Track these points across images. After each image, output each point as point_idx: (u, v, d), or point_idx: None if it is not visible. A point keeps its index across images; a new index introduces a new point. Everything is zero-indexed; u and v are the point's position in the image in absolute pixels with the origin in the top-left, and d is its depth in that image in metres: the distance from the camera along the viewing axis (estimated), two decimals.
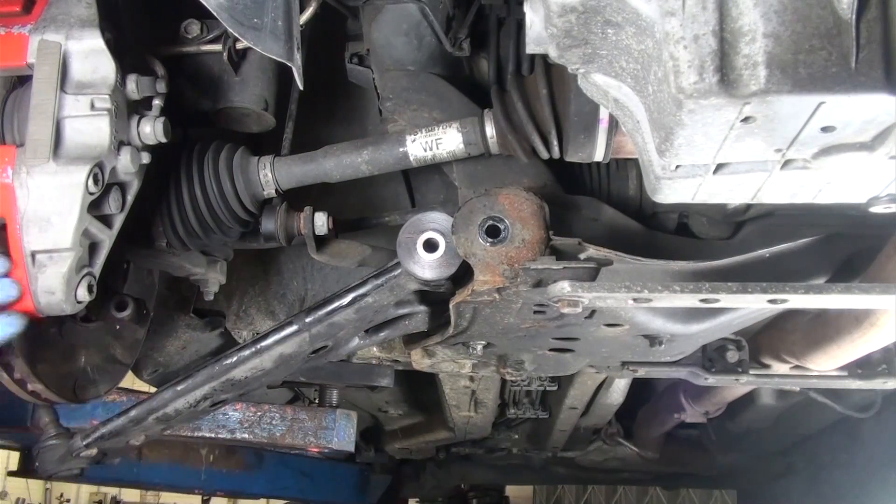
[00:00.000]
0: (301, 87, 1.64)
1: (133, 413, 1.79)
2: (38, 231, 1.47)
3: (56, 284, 1.49)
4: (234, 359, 1.70)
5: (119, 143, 1.56)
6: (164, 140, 1.63)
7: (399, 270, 1.58)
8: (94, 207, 1.55)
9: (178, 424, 1.89)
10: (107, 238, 1.60)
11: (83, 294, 1.54)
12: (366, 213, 2.14)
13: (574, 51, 1.23)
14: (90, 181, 1.48)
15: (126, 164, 1.57)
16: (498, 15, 1.88)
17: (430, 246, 1.55)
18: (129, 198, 1.64)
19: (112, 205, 1.58)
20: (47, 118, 1.47)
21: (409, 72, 1.91)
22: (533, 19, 1.26)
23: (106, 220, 1.60)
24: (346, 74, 2.06)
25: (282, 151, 1.92)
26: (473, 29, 1.87)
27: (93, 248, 1.59)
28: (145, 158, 1.63)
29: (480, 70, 1.98)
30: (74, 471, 1.86)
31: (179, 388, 1.76)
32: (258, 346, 1.69)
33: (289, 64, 1.56)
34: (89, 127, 1.50)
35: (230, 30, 1.49)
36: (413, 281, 1.58)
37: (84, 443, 1.80)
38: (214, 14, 1.45)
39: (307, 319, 1.67)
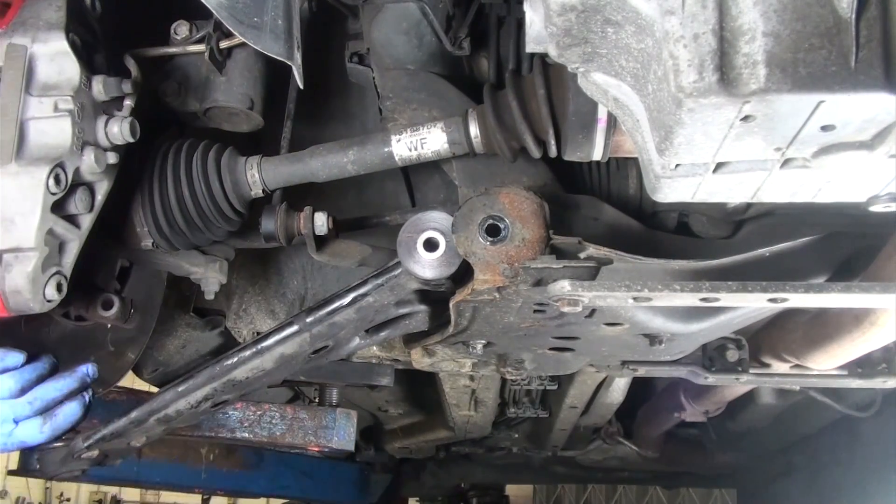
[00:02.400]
0: (301, 86, 1.64)
1: (134, 414, 1.78)
2: (3, 231, 1.48)
3: (22, 283, 1.50)
4: (235, 359, 1.70)
5: (83, 144, 1.57)
6: (130, 140, 1.63)
7: (399, 270, 1.58)
8: (59, 207, 1.55)
9: (179, 425, 1.89)
10: (76, 237, 1.61)
11: (52, 293, 1.55)
12: (366, 212, 2.14)
13: (574, 49, 1.23)
14: (51, 181, 1.49)
15: (90, 165, 1.57)
16: (498, 14, 1.88)
17: (431, 245, 1.55)
18: (100, 198, 1.64)
19: (78, 205, 1.59)
20: (11, 120, 1.48)
21: (410, 71, 1.91)
22: (533, 18, 1.26)
23: (73, 220, 1.61)
24: (346, 73, 2.06)
25: (280, 151, 1.92)
26: (473, 28, 1.87)
27: (61, 247, 1.60)
28: (112, 158, 1.63)
29: (481, 69, 1.98)
30: (76, 472, 1.86)
31: (181, 388, 1.76)
32: (259, 347, 1.69)
33: (289, 63, 1.56)
34: (52, 128, 1.51)
35: (231, 29, 1.49)
36: (413, 280, 1.58)
37: (85, 444, 1.79)
38: (215, 13, 1.45)
39: (308, 319, 1.67)
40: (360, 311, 1.64)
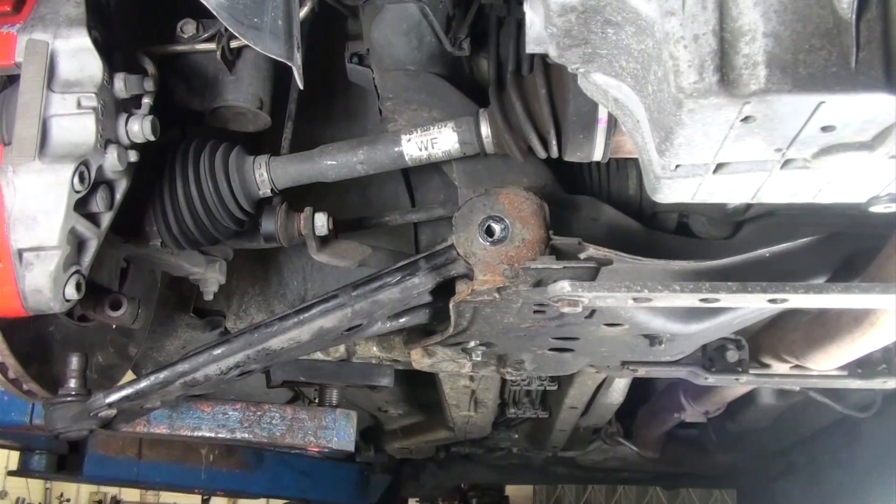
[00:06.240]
0: (301, 87, 1.64)
1: (163, 375, 1.75)
2: (25, 229, 1.47)
3: (43, 283, 1.49)
4: (275, 328, 1.68)
5: (106, 142, 1.56)
6: (151, 138, 1.63)
7: (451, 252, 1.57)
8: (82, 206, 1.55)
9: (200, 392, 1.86)
10: (95, 236, 1.61)
11: (71, 292, 1.54)
12: (366, 213, 2.14)
13: (574, 50, 1.23)
14: (76, 179, 1.48)
15: (113, 163, 1.57)
16: (498, 15, 1.88)
17: None
18: (118, 196, 1.64)
19: (99, 203, 1.59)
20: (34, 117, 1.47)
21: (409, 71, 1.91)
22: (533, 19, 1.26)
23: (93, 219, 1.60)
24: (346, 74, 2.06)
25: (281, 151, 1.92)
26: (473, 29, 1.87)
27: (81, 246, 1.59)
28: (133, 157, 1.63)
29: (480, 70, 1.98)
30: (84, 431, 1.83)
31: (216, 352, 1.74)
32: (301, 317, 1.67)
33: (289, 63, 1.56)
34: (76, 125, 1.50)
35: (230, 29, 1.49)
36: (462, 264, 1.57)
37: (107, 401, 1.76)
38: (214, 13, 1.45)
39: (353, 293, 1.65)
40: (403, 290, 1.62)
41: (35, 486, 14.27)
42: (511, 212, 1.51)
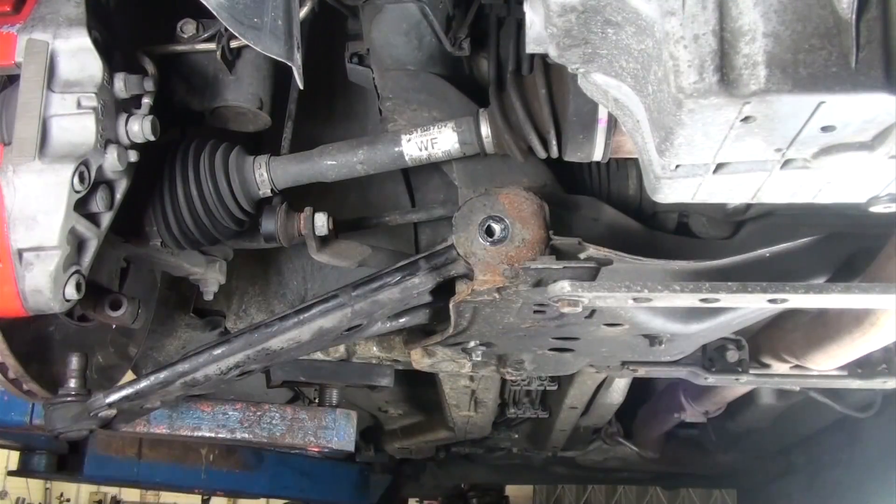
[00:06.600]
0: (301, 87, 1.64)
1: (163, 375, 1.76)
2: (25, 229, 1.47)
3: (43, 283, 1.49)
4: (275, 328, 1.69)
5: (106, 142, 1.57)
6: (151, 138, 1.63)
7: (451, 252, 1.58)
8: (82, 206, 1.55)
9: (199, 392, 1.86)
10: (95, 236, 1.61)
11: (71, 292, 1.54)
12: (366, 213, 2.14)
13: (574, 50, 1.23)
14: (76, 179, 1.49)
15: (113, 163, 1.57)
16: (498, 14, 1.88)
17: None
18: (118, 196, 1.65)
19: (99, 203, 1.59)
20: (34, 117, 1.47)
21: (409, 71, 1.91)
22: (533, 19, 1.26)
23: (93, 219, 1.61)
24: (346, 74, 2.07)
25: (281, 151, 1.93)
26: (473, 29, 1.87)
27: (81, 246, 1.59)
28: (133, 157, 1.63)
29: (480, 70, 1.98)
30: (84, 431, 1.84)
31: (216, 352, 1.74)
32: (301, 317, 1.68)
33: (289, 63, 1.57)
34: (76, 125, 1.51)
35: (230, 29, 1.49)
36: (462, 264, 1.57)
37: (107, 401, 1.76)
38: (214, 13, 1.45)
39: (353, 293, 1.66)
40: (403, 290, 1.63)
41: (35, 486, 14.27)
42: (511, 212, 1.51)
